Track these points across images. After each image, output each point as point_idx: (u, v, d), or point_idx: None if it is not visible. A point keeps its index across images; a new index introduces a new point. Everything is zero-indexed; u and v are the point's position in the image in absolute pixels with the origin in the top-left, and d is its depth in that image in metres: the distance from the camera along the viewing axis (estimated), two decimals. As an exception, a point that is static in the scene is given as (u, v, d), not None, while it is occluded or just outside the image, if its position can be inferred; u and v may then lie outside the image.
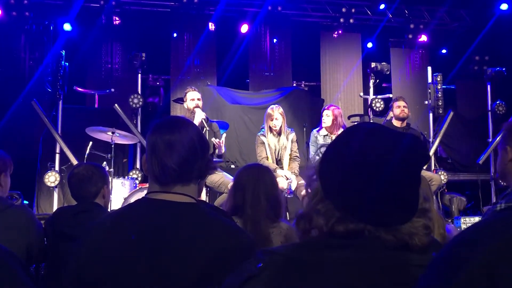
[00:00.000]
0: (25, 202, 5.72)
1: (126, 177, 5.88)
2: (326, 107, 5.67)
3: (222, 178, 4.92)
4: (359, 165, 0.88)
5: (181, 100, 6.72)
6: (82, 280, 1.26)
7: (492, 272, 0.64)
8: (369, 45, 8.53)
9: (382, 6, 8.19)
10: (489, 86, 7.52)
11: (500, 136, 1.88)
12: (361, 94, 8.15)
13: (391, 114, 6.11)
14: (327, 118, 5.51)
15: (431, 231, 0.90)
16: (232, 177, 3.84)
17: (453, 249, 0.74)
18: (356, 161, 0.88)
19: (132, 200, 4.79)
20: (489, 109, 7.50)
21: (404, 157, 0.87)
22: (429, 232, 0.89)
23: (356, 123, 7.12)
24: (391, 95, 8.05)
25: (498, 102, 7.35)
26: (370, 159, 0.87)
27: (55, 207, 5.92)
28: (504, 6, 7.83)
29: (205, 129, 4.83)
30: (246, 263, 0.91)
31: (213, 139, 4.75)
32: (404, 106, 5.73)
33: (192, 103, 5.08)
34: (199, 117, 4.88)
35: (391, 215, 0.87)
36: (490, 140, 7.32)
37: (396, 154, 0.86)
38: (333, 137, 5.35)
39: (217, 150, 4.78)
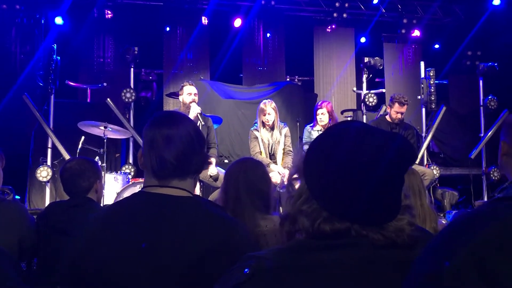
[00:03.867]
0: (17, 197, 5.69)
1: (118, 172, 5.86)
2: (318, 105, 5.55)
3: (216, 173, 4.93)
4: (349, 165, 0.87)
5: (174, 95, 6.68)
6: (79, 273, 1.26)
7: (481, 260, 0.65)
8: (363, 40, 8.54)
9: (375, 1, 8.18)
10: (481, 81, 7.57)
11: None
12: (354, 89, 8.17)
13: (384, 108, 6.05)
14: (323, 116, 5.43)
15: (415, 226, 0.91)
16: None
17: (444, 237, 0.75)
18: (346, 161, 0.87)
19: (125, 195, 4.79)
20: (481, 104, 7.54)
21: (394, 159, 0.87)
22: (414, 228, 0.89)
23: (346, 120, 7.14)
24: (384, 90, 8.09)
25: (490, 97, 7.40)
26: (360, 160, 0.87)
27: (47, 202, 5.89)
28: (496, 1, 7.86)
29: (200, 123, 4.81)
30: (232, 269, 0.89)
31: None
32: (401, 113, 5.48)
33: (189, 97, 5.03)
34: (194, 112, 4.86)
35: (377, 214, 0.87)
36: (482, 134, 7.38)
37: (386, 155, 0.86)
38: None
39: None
